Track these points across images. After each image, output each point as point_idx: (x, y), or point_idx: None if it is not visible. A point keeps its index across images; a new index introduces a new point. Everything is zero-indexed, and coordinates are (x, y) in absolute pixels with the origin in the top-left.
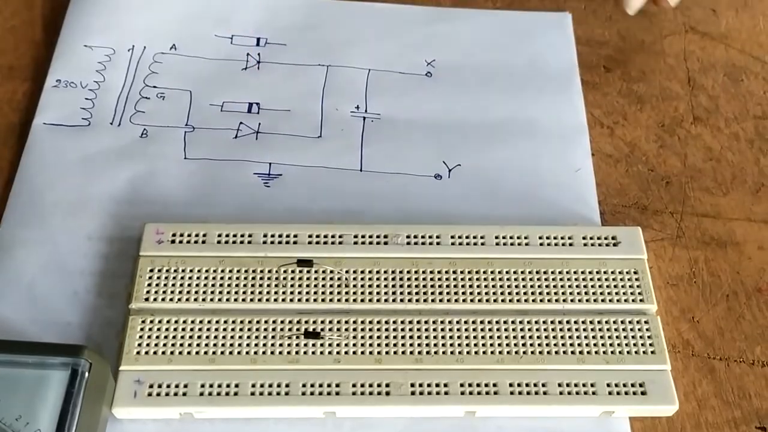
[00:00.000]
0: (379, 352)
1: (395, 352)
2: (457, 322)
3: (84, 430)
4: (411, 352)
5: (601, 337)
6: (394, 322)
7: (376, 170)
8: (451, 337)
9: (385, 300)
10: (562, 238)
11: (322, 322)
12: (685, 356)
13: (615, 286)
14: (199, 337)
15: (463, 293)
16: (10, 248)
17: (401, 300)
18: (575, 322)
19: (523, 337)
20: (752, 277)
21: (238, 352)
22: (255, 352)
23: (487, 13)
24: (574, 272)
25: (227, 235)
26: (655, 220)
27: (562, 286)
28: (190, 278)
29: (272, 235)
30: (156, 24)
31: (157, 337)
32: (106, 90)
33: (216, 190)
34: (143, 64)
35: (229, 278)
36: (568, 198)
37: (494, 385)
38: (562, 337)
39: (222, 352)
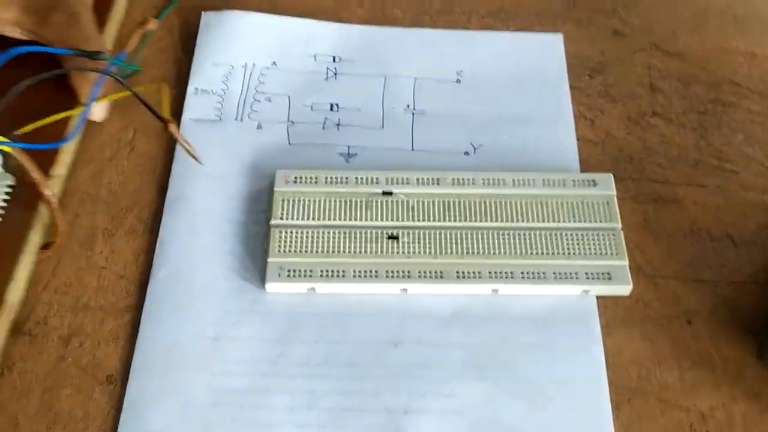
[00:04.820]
0: (435, 251)
1: (446, 251)
2: (487, 233)
3: None
4: (456, 252)
5: (583, 243)
6: (446, 233)
7: (423, 149)
8: (482, 242)
9: (439, 219)
10: (558, 180)
11: (398, 231)
12: (637, 274)
13: (593, 211)
14: (317, 241)
15: (491, 216)
16: (176, 203)
17: (449, 219)
18: (566, 234)
19: (530, 243)
20: (687, 224)
21: (344, 250)
22: (354, 250)
23: (501, 34)
24: (567, 202)
25: (332, 178)
26: (621, 184)
27: (557, 211)
28: (307, 204)
29: (362, 177)
30: (261, 47)
31: (289, 241)
32: (229, 95)
33: (311, 166)
34: (254, 76)
35: (334, 204)
36: (559, 169)
37: (511, 272)
38: (557, 242)
39: (333, 250)
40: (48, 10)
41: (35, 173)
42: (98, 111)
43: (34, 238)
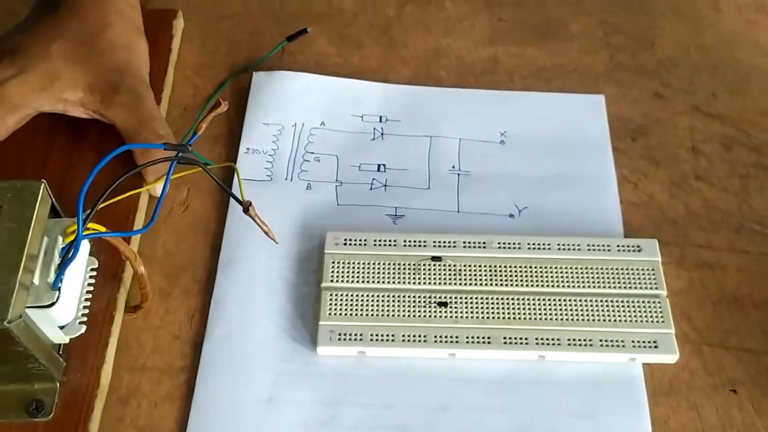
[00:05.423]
0: (483, 317)
1: (494, 317)
2: (533, 299)
3: None
4: (504, 317)
5: (629, 310)
6: (493, 298)
7: (469, 211)
8: (529, 308)
9: (488, 283)
10: (603, 246)
11: (447, 296)
12: (682, 342)
13: (639, 278)
14: (367, 304)
15: (537, 280)
16: (229, 263)
17: (497, 284)
18: (612, 301)
19: (576, 309)
20: (731, 291)
21: (393, 314)
22: (404, 315)
23: (544, 95)
24: (612, 268)
25: (380, 240)
26: (665, 249)
27: (603, 277)
28: (357, 267)
29: (410, 241)
30: (310, 107)
31: (339, 304)
32: (280, 155)
33: (359, 227)
34: (303, 136)
35: (383, 267)
36: (603, 232)
37: (558, 339)
38: (603, 309)
39: (382, 314)
40: (112, 91)
41: (129, 253)
42: (159, 187)
43: (119, 321)
